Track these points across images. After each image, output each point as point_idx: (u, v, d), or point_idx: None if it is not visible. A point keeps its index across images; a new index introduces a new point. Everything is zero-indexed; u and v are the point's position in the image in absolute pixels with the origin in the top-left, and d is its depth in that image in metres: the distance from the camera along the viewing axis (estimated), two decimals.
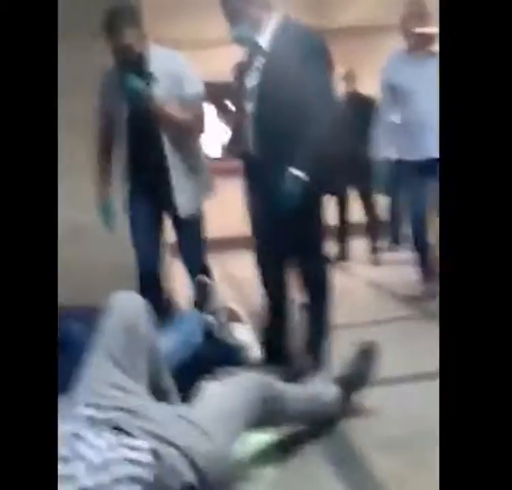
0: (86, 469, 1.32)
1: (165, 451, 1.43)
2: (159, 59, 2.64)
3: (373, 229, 5.37)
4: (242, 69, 2.41)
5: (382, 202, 5.56)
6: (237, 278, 4.41)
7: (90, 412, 1.51)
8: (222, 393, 1.69)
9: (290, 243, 2.38)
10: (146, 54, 2.61)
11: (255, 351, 2.44)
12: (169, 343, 2.15)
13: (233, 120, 2.51)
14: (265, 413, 1.69)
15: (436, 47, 3.30)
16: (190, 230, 2.84)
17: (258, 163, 2.34)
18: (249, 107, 2.32)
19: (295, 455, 1.83)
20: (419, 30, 3.29)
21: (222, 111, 2.68)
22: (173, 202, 2.73)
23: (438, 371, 1.04)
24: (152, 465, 1.40)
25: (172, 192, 2.71)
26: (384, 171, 3.53)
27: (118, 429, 1.45)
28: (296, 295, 2.49)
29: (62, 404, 1.65)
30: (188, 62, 2.73)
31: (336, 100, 2.86)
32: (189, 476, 1.43)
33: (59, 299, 2.88)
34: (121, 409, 1.52)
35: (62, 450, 1.35)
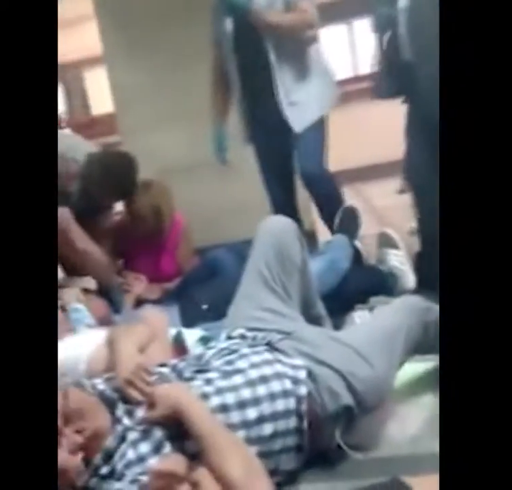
0: (244, 382, 1.34)
1: (320, 371, 1.41)
2: None
3: None
4: None
5: None
6: (378, 208, 4.23)
7: (246, 332, 1.53)
8: (380, 317, 1.63)
9: None
10: None
11: (410, 278, 2.32)
12: (316, 269, 2.09)
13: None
14: (426, 339, 1.60)
15: None
16: (308, 143, 2.59)
17: (415, 74, 2.09)
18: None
19: None
20: None
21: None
22: (284, 116, 2.53)
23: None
24: (306, 382, 1.39)
25: (280, 105, 2.52)
26: None
27: (272, 347, 1.45)
28: None
29: (218, 328, 1.69)
30: None
31: None
32: (347, 399, 1.40)
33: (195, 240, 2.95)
34: (276, 331, 1.53)
35: (220, 364, 1.38)
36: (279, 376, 1.38)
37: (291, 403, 1.36)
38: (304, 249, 1.71)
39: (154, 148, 3.48)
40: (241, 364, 1.38)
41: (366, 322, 1.76)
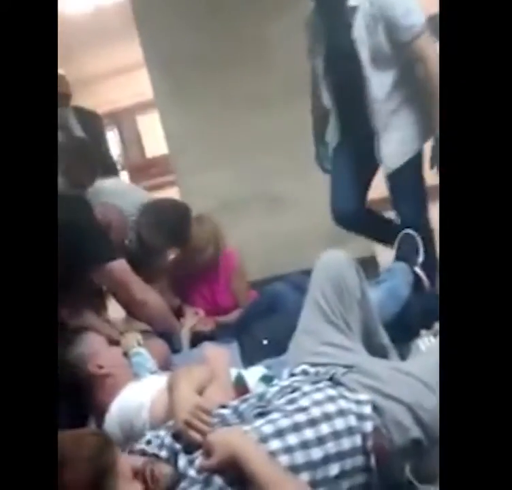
0: (307, 421, 1.31)
1: (386, 405, 1.38)
2: None
3: None
4: None
5: None
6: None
7: (308, 368, 1.51)
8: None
9: None
10: None
11: None
12: (376, 298, 2.06)
13: None
14: None
15: None
16: (403, 181, 2.45)
17: None
18: None
19: None
20: None
21: None
22: (378, 154, 2.39)
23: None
24: (372, 417, 1.35)
25: (377, 141, 2.37)
26: None
27: (335, 383, 1.43)
28: None
29: (280, 364, 1.67)
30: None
31: None
32: (415, 432, 1.36)
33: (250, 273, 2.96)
34: (338, 365, 1.50)
35: (282, 403, 1.36)
36: (343, 412, 1.34)
37: (357, 440, 1.32)
38: (363, 281, 1.70)
39: (207, 185, 3.57)
40: (303, 402, 1.35)
41: (431, 350, 1.71)
